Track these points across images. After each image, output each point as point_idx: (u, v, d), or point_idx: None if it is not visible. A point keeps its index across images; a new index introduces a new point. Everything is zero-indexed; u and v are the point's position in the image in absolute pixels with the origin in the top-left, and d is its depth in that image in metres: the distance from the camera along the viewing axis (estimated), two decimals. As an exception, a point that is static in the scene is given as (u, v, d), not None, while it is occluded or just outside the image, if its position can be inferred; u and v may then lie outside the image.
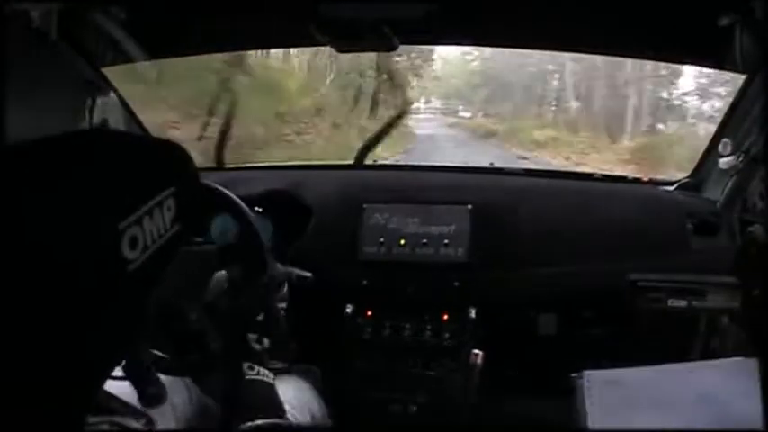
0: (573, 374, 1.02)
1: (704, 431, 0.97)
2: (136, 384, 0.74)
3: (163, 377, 0.99)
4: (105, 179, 0.40)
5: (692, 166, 1.39)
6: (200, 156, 1.81)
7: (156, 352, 0.92)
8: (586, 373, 1.01)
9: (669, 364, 1.00)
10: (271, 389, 0.87)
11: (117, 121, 1.26)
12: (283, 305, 1.06)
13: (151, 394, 0.76)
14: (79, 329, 0.38)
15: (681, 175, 1.41)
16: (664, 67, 7.90)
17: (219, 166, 1.61)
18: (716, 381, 1.00)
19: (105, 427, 0.63)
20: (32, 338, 0.35)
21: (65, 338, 0.37)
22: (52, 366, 0.36)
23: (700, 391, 0.98)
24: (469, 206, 1.26)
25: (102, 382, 0.46)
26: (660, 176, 1.46)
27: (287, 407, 1.00)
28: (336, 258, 1.27)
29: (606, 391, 1.00)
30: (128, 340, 0.45)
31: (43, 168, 0.36)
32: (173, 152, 0.49)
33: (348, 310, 1.27)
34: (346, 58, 6.90)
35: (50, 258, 0.35)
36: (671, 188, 1.39)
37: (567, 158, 8.12)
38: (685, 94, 9.17)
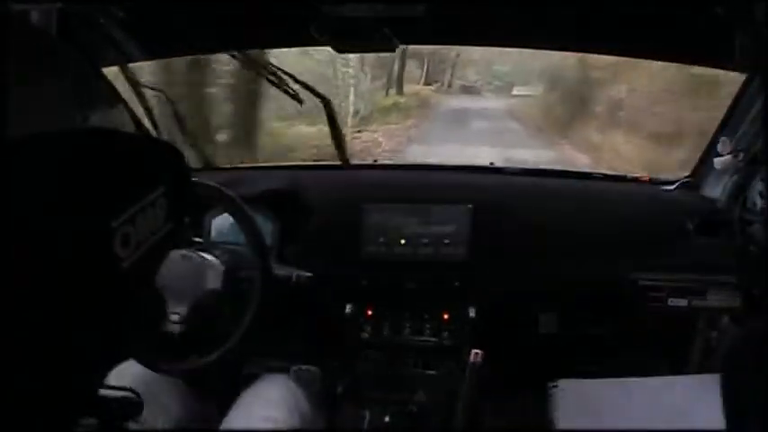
0: (549, 383, 1.06)
1: (663, 431, 1.02)
2: None
3: (156, 377, 0.99)
4: (97, 178, 0.40)
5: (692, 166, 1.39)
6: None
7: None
8: (561, 381, 1.08)
9: (640, 377, 1.08)
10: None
11: (117, 122, 1.27)
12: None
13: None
14: (73, 327, 0.38)
15: (681, 174, 1.41)
16: None
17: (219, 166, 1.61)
18: (682, 396, 1.06)
19: (99, 427, 0.63)
20: (26, 337, 0.34)
21: (58, 336, 0.37)
22: (46, 365, 0.36)
23: (666, 404, 1.05)
24: (470, 205, 1.26)
25: (98, 380, 0.46)
26: (660, 175, 1.46)
27: (274, 411, 0.98)
28: (337, 258, 1.27)
29: (577, 400, 1.07)
30: (122, 337, 0.46)
31: (35, 167, 0.35)
32: (164, 151, 0.49)
33: (348, 310, 1.27)
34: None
35: (43, 256, 0.35)
36: (671, 187, 1.39)
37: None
38: None
